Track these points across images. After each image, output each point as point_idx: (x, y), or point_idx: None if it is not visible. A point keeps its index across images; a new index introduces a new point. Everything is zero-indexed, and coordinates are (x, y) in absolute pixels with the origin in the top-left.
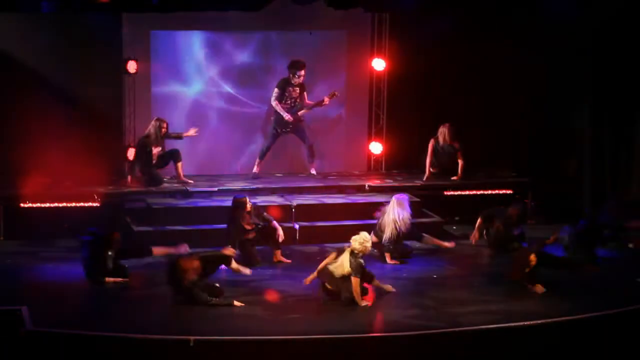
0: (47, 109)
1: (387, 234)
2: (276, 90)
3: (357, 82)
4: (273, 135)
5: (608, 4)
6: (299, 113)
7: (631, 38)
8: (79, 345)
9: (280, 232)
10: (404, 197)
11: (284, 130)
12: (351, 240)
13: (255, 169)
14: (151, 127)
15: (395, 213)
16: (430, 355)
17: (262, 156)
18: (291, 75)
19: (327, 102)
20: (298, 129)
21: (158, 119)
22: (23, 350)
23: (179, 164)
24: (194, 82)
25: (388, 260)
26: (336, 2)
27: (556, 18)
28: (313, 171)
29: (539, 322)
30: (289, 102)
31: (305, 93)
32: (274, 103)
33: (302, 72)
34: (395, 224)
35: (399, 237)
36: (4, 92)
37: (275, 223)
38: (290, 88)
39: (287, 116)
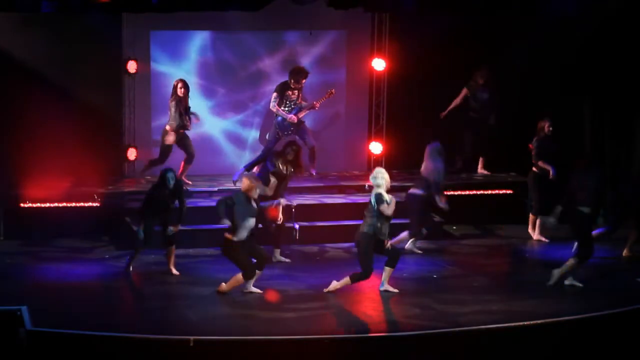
0: (47, 109)
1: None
2: (275, 94)
3: (357, 82)
4: (275, 138)
5: (608, 3)
6: (299, 115)
7: (631, 38)
8: (79, 345)
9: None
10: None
11: (285, 133)
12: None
13: (256, 169)
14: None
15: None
16: (430, 355)
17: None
18: (293, 81)
19: (318, 107)
20: (300, 131)
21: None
22: (23, 350)
23: (187, 166)
24: (194, 82)
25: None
26: (336, 2)
27: (556, 18)
28: (313, 172)
29: (539, 322)
30: (288, 104)
31: (301, 95)
32: (274, 109)
33: (304, 81)
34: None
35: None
36: (3, 92)
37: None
38: (289, 92)
39: (290, 117)
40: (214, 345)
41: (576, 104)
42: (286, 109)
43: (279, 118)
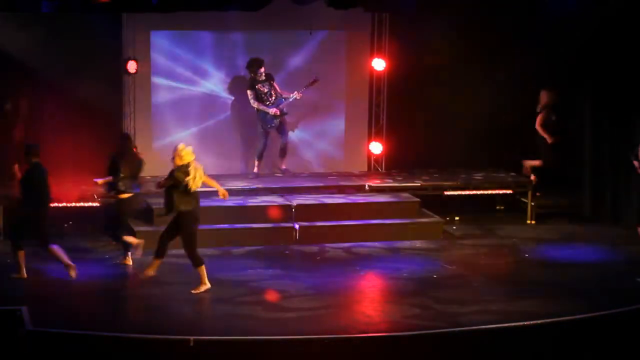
0: (47, 108)
1: None
2: (249, 92)
3: (357, 82)
4: (263, 134)
5: (608, 3)
6: (281, 106)
7: (631, 38)
8: (79, 345)
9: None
10: None
11: (270, 126)
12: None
13: (255, 169)
14: None
15: None
16: (430, 355)
17: (260, 157)
18: (252, 75)
19: (299, 96)
20: (280, 125)
21: None
22: (23, 350)
23: None
24: (193, 82)
25: None
26: (336, 2)
27: (556, 18)
28: (283, 167)
29: (539, 322)
30: (264, 98)
31: (275, 84)
32: (255, 105)
33: (262, 70)
34: None
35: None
36: (3, 91)
37: None
38: (259, 85)
39: (272, 110)
40: (214, 345)
41: (576, 104)
42: (267, 103)
43: (261, 113)
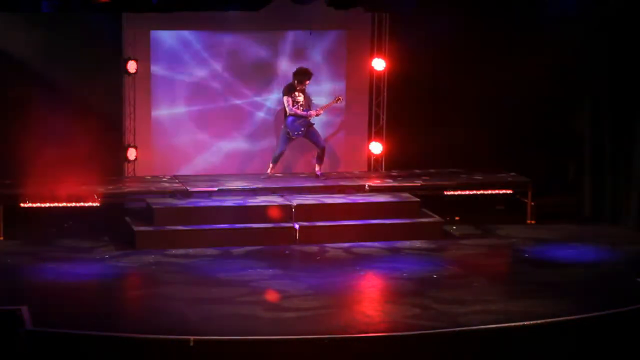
0: (47, 109)
1: None
2: (286, 98)
3: (357, 82)
4: (286, 139)
5: (608, 3)
6: (308, 113)
7: (631, 38)
8: (79, 345)
9: None
10: None
11: (296, 133)
12: None
13: (269, 171)
14: None
15: None
16: (430, 355)
17: (275, 160)
18: (296, 82)
19: (321, 113)
20: (309, 132)
21: None
22: (23, 350)
23: None
24: (193, 82)
25: None
26: (336, 2)
27: (556, 19)
28: (318, 173)
29: (539, 322)
30: (295, 106)
31: (305, 96)
32: (292, 112)
33: (308, 82)
34: None
35: None
36: (3, 91)
37: None
38: (295, 93)
39: (309, 113)
40: (214, 345)
41: (576, 104)
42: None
43: (290, 119)
